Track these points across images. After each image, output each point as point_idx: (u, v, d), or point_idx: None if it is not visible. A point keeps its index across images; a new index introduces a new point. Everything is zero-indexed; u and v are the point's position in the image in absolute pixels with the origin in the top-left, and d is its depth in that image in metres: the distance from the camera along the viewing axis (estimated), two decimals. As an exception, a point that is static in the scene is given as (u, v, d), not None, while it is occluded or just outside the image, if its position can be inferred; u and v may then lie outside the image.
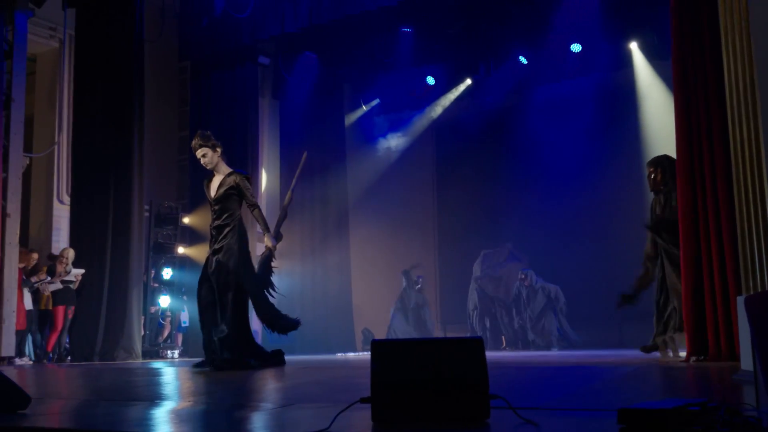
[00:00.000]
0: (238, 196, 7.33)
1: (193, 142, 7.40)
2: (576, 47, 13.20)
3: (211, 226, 7.37)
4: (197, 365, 7.21)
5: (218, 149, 7.39)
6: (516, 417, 2.66)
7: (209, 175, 7.51)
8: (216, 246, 7.21)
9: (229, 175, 7.38)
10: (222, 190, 7.26)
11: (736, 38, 6.69)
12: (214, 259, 7.17)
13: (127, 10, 11.27)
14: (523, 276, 13.63)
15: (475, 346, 2.78)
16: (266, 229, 7.52)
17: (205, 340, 7.24)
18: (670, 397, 3.01)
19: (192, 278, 12.86)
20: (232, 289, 7.12)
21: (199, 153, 7.36)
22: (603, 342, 12.64)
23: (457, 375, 2.69)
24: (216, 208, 7.28)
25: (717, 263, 6.86)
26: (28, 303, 10.37)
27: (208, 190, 7.41)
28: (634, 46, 13.29)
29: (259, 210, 7.44)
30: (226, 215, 7.24)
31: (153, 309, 12.50)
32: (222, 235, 7.21)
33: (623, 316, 13.11)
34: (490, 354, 2.92)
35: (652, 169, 7.99)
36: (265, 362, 7.29)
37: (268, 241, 7.54)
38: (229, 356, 7.02)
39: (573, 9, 12.28)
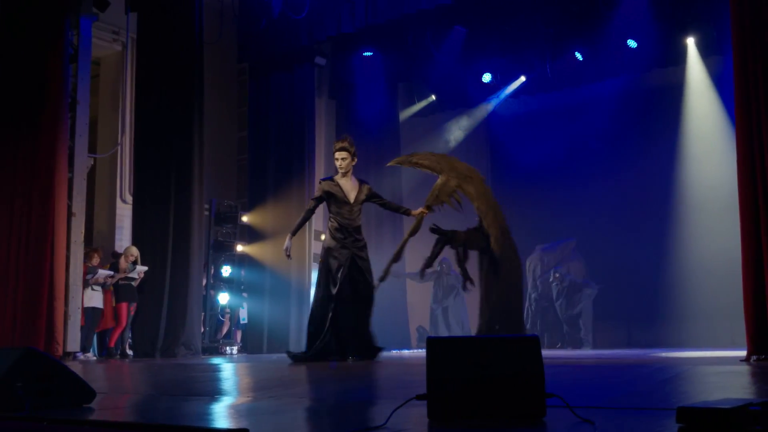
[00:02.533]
0: (374, 200, 8.19)
1: (341, 144, 8.07)
2: (632, 43, 13.00)
3: (345, 224, 7.90)
4: (312, 358, 7.73)
5: (355, 159, 8.12)
6: (573, 416, 2.65)
7: (327, 177, 8.23)
8: (359, 244, 7.93)
9: (363, 183, 8.15)
10: (363, 196, 8.02)
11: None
12: (360, 256, 7.90)
13: (187, 13, 11.44)
14: (557, 275, 13.59)
15: (531, 344, 2.77)
16: (404, 207, 8.47)
17: (332, 333, 7.78)
18: (730, 396, 2.96)
19: (251, 276, 13.08)
20: (369, 282, 7.95)
21: (340, 155, 8.02)
22: (662, 341, 12.46)
23: (513, 373, 2.68)
24: (356, 209, 7.95)
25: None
26: (88, 300, 10.59)
27: (342, 189, 7.97)
28: (690, 42, 13.04)
29: (390, 201, 8.53)
30: (360, 217, 8.06)
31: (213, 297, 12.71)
32: (360, 236, 7.99)
33: (685, 316, 12.97)
34: (544, 352, 2.91)
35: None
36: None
37: (417, 211, 8.21)
38: (365, 345, 7.83)
39: (630, 3, 12.12)
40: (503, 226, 8.55)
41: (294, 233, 8.22)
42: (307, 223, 13.04)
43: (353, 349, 7.74)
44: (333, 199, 7.95)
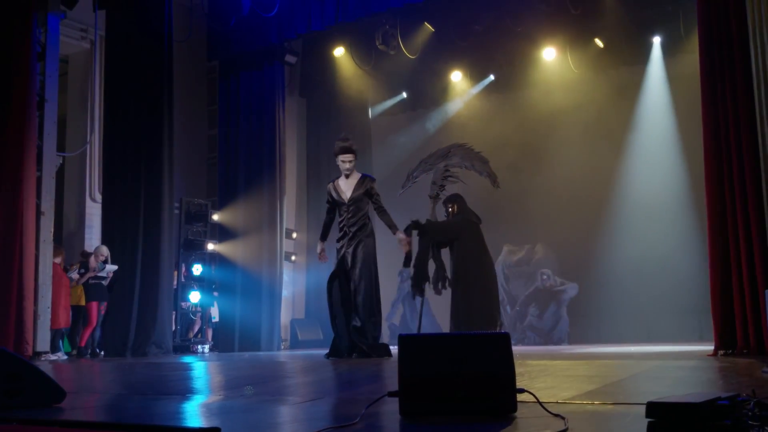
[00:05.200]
0: (369, 198, 8.01)
1: (345, 145, 7.99)
2: (599, 42, 13.13)
3: (343, 224, 7.93)
4: (330, 355, 7.87)
5: (357, 157, 8.09)
6: (543, 411, 2.67)
7: (333, 179, 8.20)
8: (353, 242, 7.85)
9: (363, 178, 8.03)
10: (359, 193, 7.95)
11: (764, 29, 6.64)
12: (352, 253, 7.82)
13: (156, 10, 11.35)
14: (545, 276, 13.64)
15: (501, 340, 2.80)
16: (395, 227, 8.11)
17: (339, 331, 7.87)
18: (699, 391, 3.01)
19: (223, 274, 13.02)
20: (366, 279, 7.81)
21: (348, 157, 7.99)
22: (629, 337, 12.57)
23: (484, 369, 2.71)
24: (351, 208, 7.91)
25: (745, 257, 6.83)
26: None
27: (337, 191, 7.99)
28: (656, 40, 13.19)
29: (386, 212, 8.06)
30: (361, 214, 7.94)
31: (184, 305, 12.63)
32: (358, 232, 7.88)
33: (653, 312, 13.10)
34: (514, 348, 2.93)
35: (450, 205, 8.99)
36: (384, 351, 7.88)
37: (401, 235, 8.15)
38: (369, 343, 7.71)
39: (598, 2, 12.24)
40: (489, 172, 9.29)
41: (322, 238, 8.34)
42: (280, 223, 13.15)
43: (354, 347, 7.73)
44: (334, 202, 8.03)
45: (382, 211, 8.05)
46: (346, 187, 7.98)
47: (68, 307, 10.47)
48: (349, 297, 7.84)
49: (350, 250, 7.82)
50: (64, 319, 10.33)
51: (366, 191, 7.97)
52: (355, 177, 8.05)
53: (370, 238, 7.98)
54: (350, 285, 7.80)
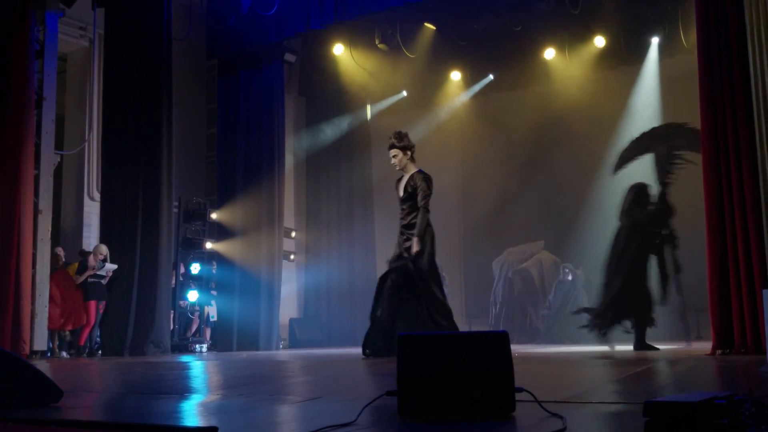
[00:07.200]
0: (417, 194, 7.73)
1: (389, 142, 7.89)
2: (600, 41, 13.13)
3: (401, 222, 7.81)
4: (376, 354, 7.47)
5: (409, 152, 7.83)
6: (542, 410, 2.67)
7: (400, 174, 8.01)
8: (407, 244, 7.64)
9: (412, 176, 7.80)
10: (408, 192, 7.74)
11: (762, 30, 6.65)
12: (403, 256, 7.63)
13: (155, 9, 11.34)
14: (567, 270, 13.59)
15: (500, 339, 2.79)
16: (418, 233, 7.64)
17: (379, 330, 7.60)
18: (696, 390, 3.00)
19: (221, 273, 13.01)
20: (426, 280, 7.57)
21: (391, 153, 7.87)
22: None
23: (483, 368, 2.70)
24: (404, 207, 7.75)
25: (743, 256, 6.84)
26: None
27: (397, 189, 7.89)
28: (654, 41, 13.18)
29: (423, 213, 7.66)
30: (414, 213, 7.68)
31: (182, 303, 12.62)
32: (411, 232, 7.65)
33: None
34: (513, 348, 2.93)
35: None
36: None
37: (414, 245, 7.63)
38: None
39: (598, 2, 12.23)
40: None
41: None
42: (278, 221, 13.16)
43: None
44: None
45: (420, 210, 7.67)
46: (401, 185, 7.89)
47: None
48: (393, 296, 7.65)
49: (404, 251, 7.64)
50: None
51: (413, 189, 7.75)
52: (413, 171, 7.86)
53: (428, 234, 7.70)
54: (396, 285, 7.64)
